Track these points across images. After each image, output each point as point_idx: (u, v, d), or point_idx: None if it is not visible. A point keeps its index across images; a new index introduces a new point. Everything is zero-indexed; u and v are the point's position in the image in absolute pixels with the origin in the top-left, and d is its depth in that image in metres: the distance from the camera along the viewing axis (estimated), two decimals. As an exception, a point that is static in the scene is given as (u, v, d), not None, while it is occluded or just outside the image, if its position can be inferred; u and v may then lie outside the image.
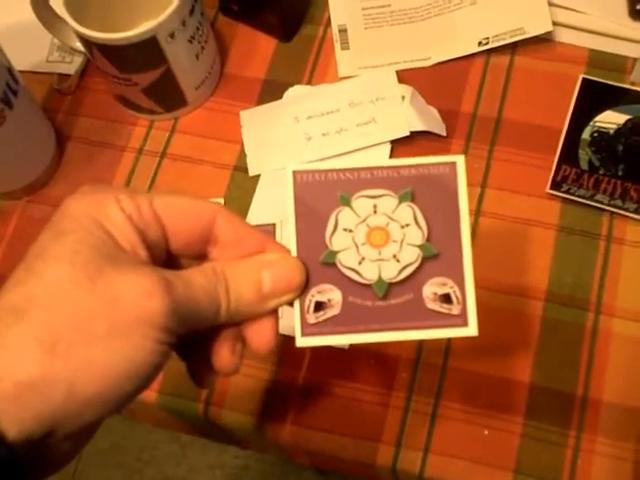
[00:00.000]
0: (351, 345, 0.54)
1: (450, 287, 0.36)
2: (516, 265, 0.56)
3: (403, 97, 0.60)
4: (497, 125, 0.60)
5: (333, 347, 0.54)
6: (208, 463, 1.28)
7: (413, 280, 0.36)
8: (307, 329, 0.36)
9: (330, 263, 0.36)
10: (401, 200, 0.36)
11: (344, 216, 0.36)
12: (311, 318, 0.36)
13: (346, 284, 0.36)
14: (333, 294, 0.36)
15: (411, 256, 0.36)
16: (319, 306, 0.36)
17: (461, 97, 0.61)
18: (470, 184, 0.58)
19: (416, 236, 0.36)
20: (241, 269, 0.35)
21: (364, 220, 0.36)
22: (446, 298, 0.36)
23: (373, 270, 0.36)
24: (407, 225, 0.36)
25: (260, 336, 0.36)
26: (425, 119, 0.59)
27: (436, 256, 0.36)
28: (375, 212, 0.36)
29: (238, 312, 0.34)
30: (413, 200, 0.36)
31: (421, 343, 0.54)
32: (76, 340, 0.29)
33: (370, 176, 0.36)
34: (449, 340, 0.54)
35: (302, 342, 0.36)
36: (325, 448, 0.53)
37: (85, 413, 0.30)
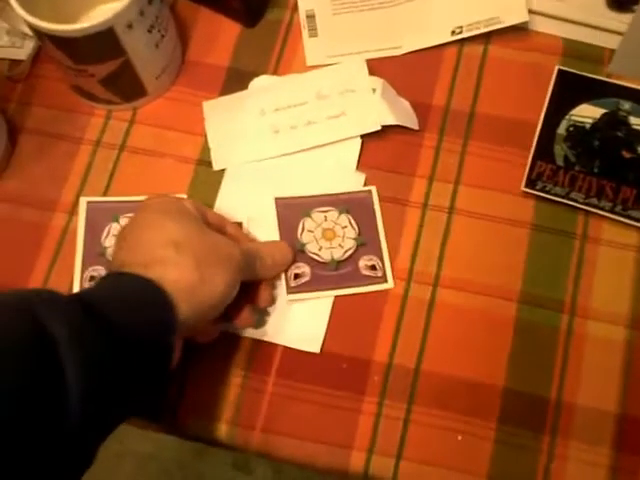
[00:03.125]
0: (322, 349, 0.53)
1: (374, 261, 0.55)
2: (489, 265, 0.55)
3: (374, 89, 0.57)
4: (470, 119, 0.58)
5: (304, 352, 0.53)
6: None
7: (352, 258, 0.56)
8: (290, 289, 0.55)
9: (301, 250, 0.56)
10: (340, 212, 0.57)
11: (308, 223, 0.57)
12: (292, 283, 0.55)
13: (312, 262, 0.55)
14: (305, 269, 0.55)
15: (350, 244, 0.56)
16: (297, 276, 0.55)
17: (433, 89, 0.59)
18: (443, 180, 0.57)
19: (352, 233, 0.56)
20: (265, 247, 0.54)
21: (319, 225, 0.56)
22: (373, 267, 0.55)
23: (327, 254, 0.56)
24: (345, 227, 0.56)
25: (264, 295, 0.53)
26: (397, 113, 0.57)
27: (364, 244, 0.56)
28: (325, 220, 0.57)
29: (264, 272, 0.52)
30: (348, 212, 0.57)
31: (394, 345, 0.53)
32: (205, 263, 0.46)
33: (322, 199, 0.57)
34: (422, 343, 0.53)
35: (289, 297, 0.54)
36: (296, 455, 0.51)
37: (210, 312, 0.47)
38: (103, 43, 0.52)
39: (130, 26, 0.52)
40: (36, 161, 0.59)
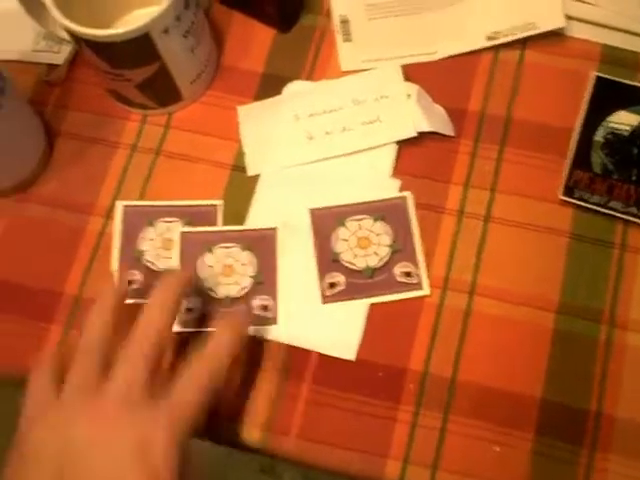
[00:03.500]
0: (357, 356, 0.52)
1: (410, 268, 0.55)
2: (526, 274, 0.54)
3: (409, 95, 0.57)
4: (507, 125, 0.58)
5: (339, 359, 0.53)
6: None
7: (387, 266, 0.55)
8: (325, 299, 0.55)
9: (335, 260, 0.55)
10: (375, 220, 0.56)
11: (342, 232, 0.56)
12: (327, 292, 0.55)
13: (347, 271, 0.55)
14: (340, 278, 0.55)
15: (385, 252, 0.56)
16: (332, 285, 0.55)
17: (469, 95, 0.59)
18: (479, 187, 0.57)
19: (387, 240, 0.56)
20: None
21: (354, 233, 0.56)
22: (408, 274, 0.55)
23: (362, 262, 0.55)
24: (380, 234, 0.56)
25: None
26: (432, 119, 0.57)
27: (400, 250, 0.55)
28: (360, 228, 0.56)
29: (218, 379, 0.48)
30: (383, 219, 0.56)
31: (429, 354, 0.52)
32: None
33: (356, 207, 0.57)
34: (458, 351, 0.52)
35: (323, 307, 0.54)
36: (330, 462, 0.51)
37: None
38: (139, 48, 0.52)
39: (166, 31, 0.52)
40: (73, 165, 0.60)
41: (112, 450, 0.43)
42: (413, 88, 0.57)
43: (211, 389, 0.47)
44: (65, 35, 0.59)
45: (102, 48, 0.52)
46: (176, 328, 0.54)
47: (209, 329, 0.53)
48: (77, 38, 0.52)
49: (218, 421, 0.52)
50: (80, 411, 0.44)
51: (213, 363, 0.48)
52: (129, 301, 0.52)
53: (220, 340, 0.49)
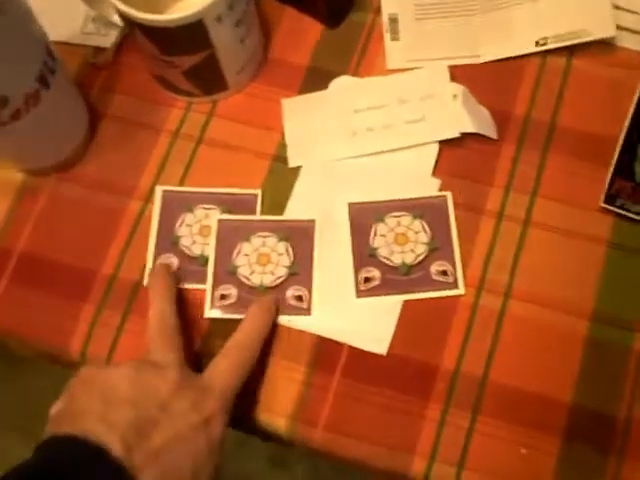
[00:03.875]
0: (389, 351, 0.53)
1: (446, 267, 0.55)
2: (562, 279, 0.54)
3: (454, 96, 0.57)
4: (550, 131, 0.58)
5: (370, 353, 0.53)
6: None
7: (423, 263, 0.55)
8: (360, 293, 0.55)
9: (372, 255, 0.56)
10: (414, 217, 0.57)
11: (380, 228, 0.57)
12: (362, 287, 0.55)
13: (383, 267, 0.55)
14: (375, 272, 0.55)
15: (422, 249, 0.56)
16: (367, 280, 0.55)
17: (514, 99, 0.59)
18: (520, 191, 0.57)
19: (424, 238, 0.56)
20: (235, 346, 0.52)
21: (392, 229, 0.56)
22: (444, 273, 0.55)
23: (399, 258, 0.56)
24: (418, 232, 0.56)
25: None
26: (477, 121, 0.57)
27: (437, 249, 0.56)
28: (399, 224, 0.57)
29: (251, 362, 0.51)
30: (422, 217, 0.56)
31: (462, 353, 0.52)
32: None
33: (396, 204, 0.57)
34: (490, 352, 0.52)
35: (358, 301, 0.55)
36: (356, 455, 0.51)
37: None
38: (192, 35, 0.53)
39: (219, 19, 0.53)
40: (115, 148, 0.60)
41: (174, 407, 0.45)
42: (459, 89, 0.58)
43: (244, 373, 0.49)
44: (115, 19, 0.59)
45: (155, 33, 0.53)
46: (211, 314, 0.54)
47: (242, 316, 0.54)
48: (131, 22, 0.53)
49: (246, 409, 0.52)
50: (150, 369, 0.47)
51: (245, 347, 0.50)
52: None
53: (252, 325, 0.52)
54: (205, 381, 0.48)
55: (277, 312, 0.54)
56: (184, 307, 0.55)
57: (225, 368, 0.49)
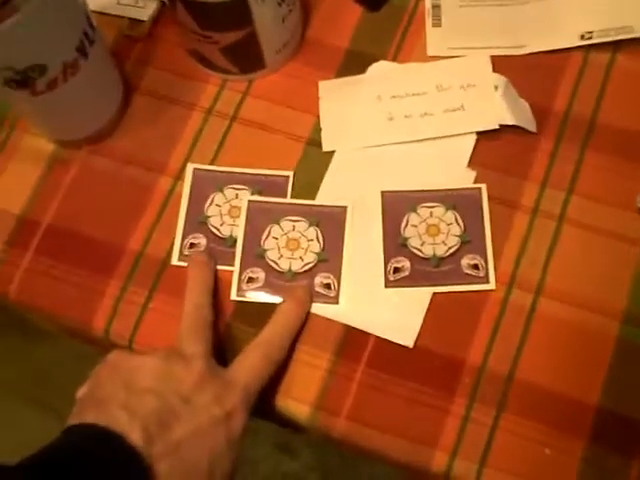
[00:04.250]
0: (416, 343, 0.52)
1: (478, 260, 0.54)
2: (595, 279, 0.53)
3: (496, 87, 0.56)
4: (590, 128, 0.57)
5: (396, 344, 0.52)
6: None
7: (455, 256, 0.55)
8: (389, 283, 0.54)
9: (403, 245, 0.55)
10: (447, 209, 0.56)
11: (412, 218, 0.56)
12: (391, 277, 0.54)
13: (413, 258, 0.55)
14: (405, 263, 0.55)
15: (454, 242, 0.55)
16: (396, 270, 0.55)
17: (555, 93, 0.58)
18: (557, 188, 0.56)
19: (457, 230, 0.55)
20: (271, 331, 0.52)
21: (424, 220, 0.56)
22: (475, 267, 0.54)
23: (430, 250, 0.55)
24: (451, 224, 0.55)
25: None
26: (516, 113, 0.56)
27: (469, 242, 0.55)
28: (431, 215, 0.56)
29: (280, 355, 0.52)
30: (455, 209, 0.56)
31: (489, 349, 0.52)
32: None
33: (429, 194, 0.56)
34: (518, 350, 0.52)
35: (386, 291, 0.54)
36: (378, 446, 0.51)
37: None
38: (235, 11, 0.52)
39: (263, -2, 0.52)
40: (148, 123, 0.59)
41: (197, 399, 0.46)
42: (501, 80, 0.57)
43: (270, 371, 0.49)
44: (154, -9, 0.59)
45: (197, 7, 0.52)
46: (237, 297, 0.54)
47: (269, 300, 0.53)
48: (173, -5, 0.52)
49: (270, 394, 0.52)
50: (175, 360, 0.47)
51: (275, 345, 0.50)
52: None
53: (284, 320, 0.52)
54: (230, 375, 0.48)
55: (311, 304, 0.54)
56: (211, 288, 0.54)
57: (251, 364, 0.49)
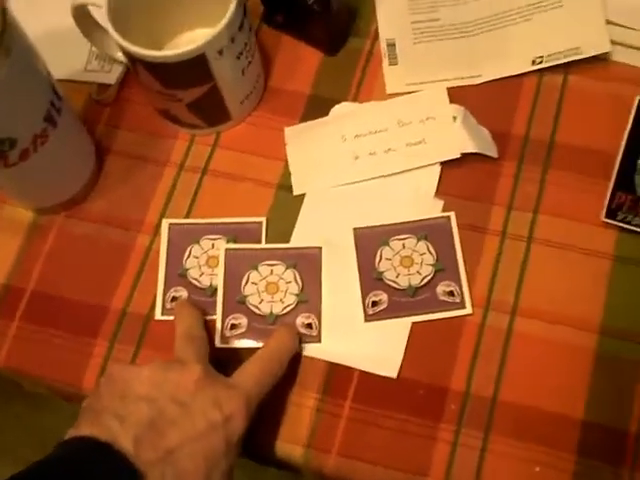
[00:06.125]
0: (399, 374, 0.53)
1: (452, 287, 0.55)
2: (569, 295, 0.54)
3: (454, 117, 0.58)
4: (550, 148, 0.58)
5: (380, 377, 0.53)
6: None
7: (430, 285, 0.56)
8: (368, 317, 0.55)
9: (379, 279, 0.56)
10: (419, 239, 0.57)
11: (385, 251, 0.57)
12: (370, 311, 0.55)
13: (389, 290, 0.56)
14: (382, 296, 0.56)
15: (428, 271, 0.56)
16: (374, 304, 0.56)
17: (512, 118, 0.60)
18: (522, 209, 0.57)
19: (429, 259, 0.56)
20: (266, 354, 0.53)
21: (397, 252, 0.57)
22: (451, 293, 0.55)
23: (405, 280, 0.56)
24: (424, 254, 0.57)
25: None
26: (477, 141, 0.57)
27: (442, 269, 0.56)
28: (404, 247, 0.57)
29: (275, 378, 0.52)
30: (427, 239, 0.57)
31: (471, 373, 0.53)
32: None
33: (400, 227, 0.57)
34: (499, 371, 0.52)
35: (366, 325, 0.55)
36: (371, 480, 0.52)
37: None
38: (194, 68, 0.54)
39: (221, 52, 0.54)
40: (122, 183, 0.61)
41: (194, 404, 0.46)
42: (459, 110, 0.58)
43: (270, 383, 0.50)
44: (119, 56, 0.60)
45: (158, 68, 0.54)
46: (221, 344, 0.55)
47: (253, 345, 0.54)
48: (133, 59, 0.54)
49: (260, 437, 0.52)
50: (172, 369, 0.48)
51: (275, 359, 0.51)
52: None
53: (282, 340, 0.53)
54: (231, 380, 0.48)
55: (300, 341, 0.55)
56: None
57: (252, 372, 0.49)
